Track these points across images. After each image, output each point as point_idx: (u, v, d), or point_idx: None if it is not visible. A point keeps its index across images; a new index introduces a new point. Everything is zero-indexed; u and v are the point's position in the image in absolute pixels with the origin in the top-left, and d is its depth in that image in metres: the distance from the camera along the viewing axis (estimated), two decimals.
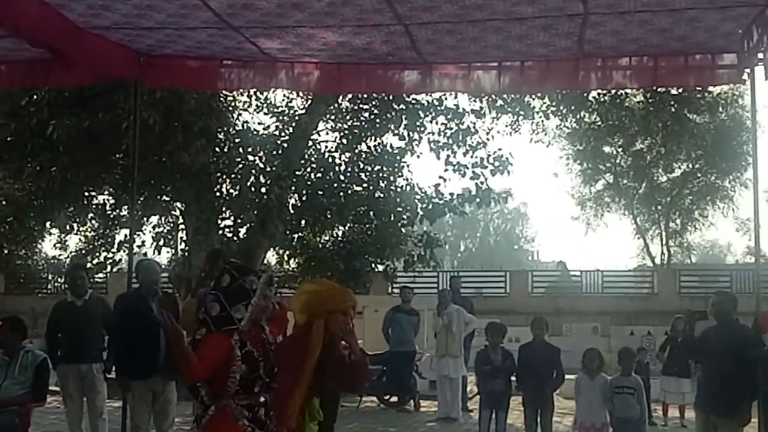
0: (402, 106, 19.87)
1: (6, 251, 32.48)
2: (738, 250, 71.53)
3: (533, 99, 21.82)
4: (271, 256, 24.38)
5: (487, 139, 20.61)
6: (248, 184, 18.58)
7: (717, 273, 35.49)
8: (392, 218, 20.18)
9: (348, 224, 21.09)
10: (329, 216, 19.99)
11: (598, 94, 21.51)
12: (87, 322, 9.29)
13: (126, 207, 20.12)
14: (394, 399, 16.18)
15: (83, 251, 24.53)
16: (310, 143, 20.45)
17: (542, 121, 24.84)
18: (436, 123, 20.44)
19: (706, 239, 69.41)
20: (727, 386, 7.83)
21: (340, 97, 19.82)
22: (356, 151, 20.38)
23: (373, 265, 21.60)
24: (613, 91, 20.57)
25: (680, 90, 21.63)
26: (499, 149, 20.24)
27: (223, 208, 19.14)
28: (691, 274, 33.57)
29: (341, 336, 5.46)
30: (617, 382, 9.56)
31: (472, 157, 20.22)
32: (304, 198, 19.57)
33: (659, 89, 20.32)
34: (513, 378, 10.07)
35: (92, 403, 9.38)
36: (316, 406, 5.63)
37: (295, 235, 21.05)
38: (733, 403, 7.80)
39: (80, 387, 9.36)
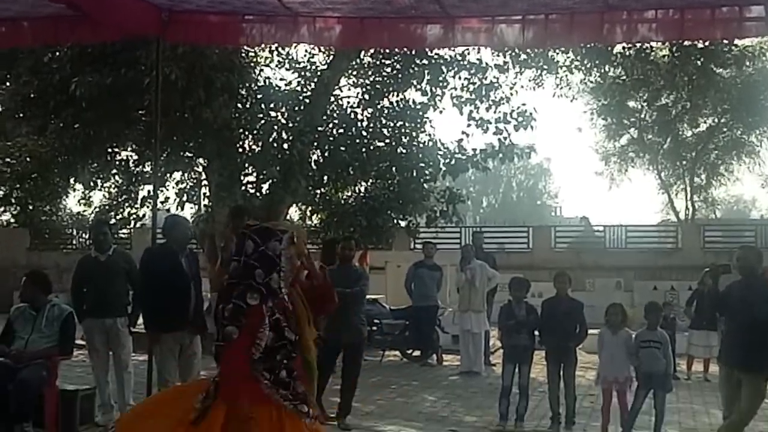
0: (424, 60, 19.72)
1: (31, 207, 32.81)
2: (763, 206, 71.09)
3: (557, 53, 21.60)
4: (293, 212, 24.41)
5: (511, 94, 20.44)
6: (270, 140, 18.56)
7: (741, 228, 35.30)
8: (415, 174, 20.11)
9: (370, 180, 21.05)
10: (351, 172, 19.96)
11: (623, 47, 21.27)
12: (111, 277, 9.38)
13: (149, 163, 20.16)
14: (417, 353, 16.28)
15: (107, 207, 24.66)
16: (332, 99, 20.37)
17: (566, 75, 24.63)
18: (459, 78, 20.28)
19: (731, 194, 68.92)
20: (752, 340, 7.80)
21: (362, 52, 19.70)
22: (378, 106, 20.27)
23: (395, 221, 21.58)
24: (638, 45, 20.33)
25: (706, 43, 21.31)
26: (523, 104, 20.06)
27: (246, 164, 19.15)
28: (715, 229, 33.40)
29: (302, 266, 5.37)
30: (643, 336, 9.57)
31: (495, 112, 20.08)
32: (326, 154, 19.54)
33: (685, 42, 20.04)
34: (536, 332, 10.07)
35: (117, 357, 9.50)
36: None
37: (318, 191, 21.04)
38: (757, 356, 7.78)
39: (105, 341, 9.47)
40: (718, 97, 31.07)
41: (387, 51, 18.92)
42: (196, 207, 22.50)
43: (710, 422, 10.31)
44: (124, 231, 26.94)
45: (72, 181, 23.35)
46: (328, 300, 5.67)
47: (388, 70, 20.39)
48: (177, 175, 21.61)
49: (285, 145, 18.55)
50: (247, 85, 18.86)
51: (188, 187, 21.20)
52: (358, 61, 20.40)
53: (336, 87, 20.30)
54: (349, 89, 21.22)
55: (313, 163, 19.38)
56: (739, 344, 7.98)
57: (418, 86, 20.25)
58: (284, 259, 5.08)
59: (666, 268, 27.53)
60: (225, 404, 4.83)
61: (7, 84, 19.56)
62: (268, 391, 4.96)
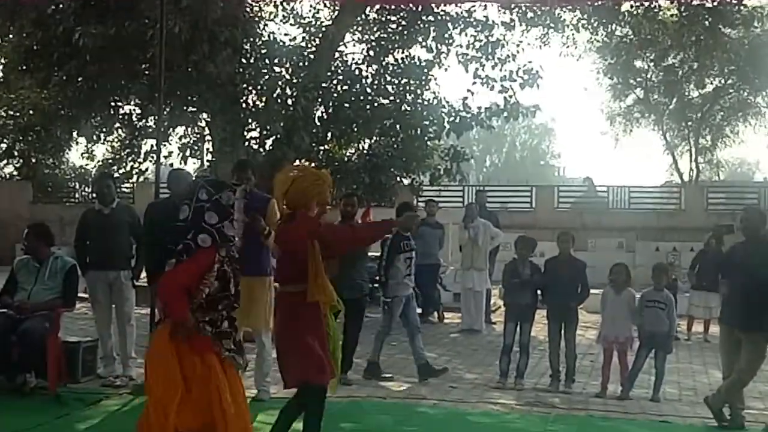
0: (430, 17, 19.58)
1: (34, 160, 32.76)
2: (767, 167, 70.95)
3: (564, 11, 21.42)
4: None
5: (517, 52, 20.30)
6: (274, 95, 18.48)
7: (745, 190, 35.18)
8: (419, 132, 20.04)
9: (374, 137, 20.99)
10: (355, 128, 19.91)
11: (631, 6, 21.10)
12: (114, 230, 9.36)
13: (152, 117, 20.11)
14: (418, 311, 16.28)
15: (110, 161, 24.66)
16: (337, 55, 20.25)
17: (573, 34, 24.38)
18: (465, 35, 20.14)
19: (735, 156, 68.83)
20: (753, 301, 7.81)
21: (368, 8, 19.55)
22: (383, 63, 20.16)
23: (398, 179, 21.55)
24: (646, 4, 20.16)
25: (715, 3, 21.14)
26: (529, 62, 19.94)
27: (250, 120, 19.10)
28: (719, 191, 33.30)
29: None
30: (649, 296, 9.60)
31: (500, 70, 19.97)
32: (330, 110, 19.47)
33: (694, 2, 19.88)
34: (538, 291, 10.09)
35: (120, 310, 9.51)
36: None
37: (321, 148, 20.99)
38: (758, 317, 7.79)
39: (108, 294, 9.47)
40: (725, 57, 30.76)
41: (393, 7, 18.77)
42: (199, 162, 22.49)
43: (709, 382, 10.34)
44: (127, 185, 26.94)
45: (75, 134, 23.31)
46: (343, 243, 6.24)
47: (394, 26, 20.25)
48: (180, 130, 21.59)
49: (289, 101, 18.48)
50: (252, 40, 18.76)
51: (191, 141, 21.17)
52: (363, 16, 20.26)
53: (341, 43, 20.18)
54: (354, 45, 21.11)
55: (316, 120, 19.32)
56: (741, 305, 7.98)
57: (424, 43, 20.12)
58: (236, 209, 5.18)
59: (669, 230, 27.49)
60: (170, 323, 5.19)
61: (10, 36, 19.45)
62: (212, 341, 5.21)
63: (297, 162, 22.27)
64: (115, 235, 9.37)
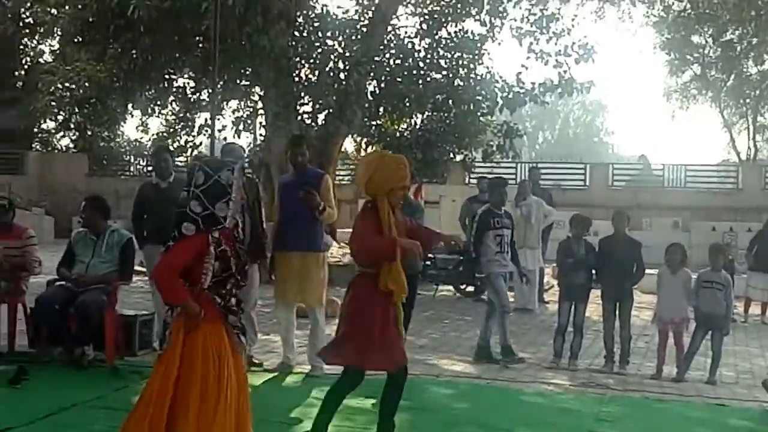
0: None
1: (89, 133, 33.20)
2: None
3: None
4: (348, 143, 24.38)
5: (572, 26, 20.04)
6: (327, 69, 18.46)
7: None
8: (471, 107, 19.88)
9: (426, 112, 20.88)
10: (408, 104, 19.81)
11: None
12: (171, 204, 9.34)
13: (206, 90, 20.18)
14: (470, 289, 16.23)
15: (164, 134, 24.83)
16: (390, 28, 20.14)
17: (629, 8, 24.05)
18: (519, 8, 19.98)
19: None
20: None
21: None
22: (436, 37, 19.99)
23: (451, 155, 21.43)
24: None
25: None
26: (584, 37, 19.69)
27: (302, 94, 19.09)
28: None
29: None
30: (706, 277, 9.44)
31: (555, 44, 19.74)
32: (382, 85, 19.39)
33: None
34: (593, 271, 9.96)
35: None
36: None
37: (374, 123, 20.93)
38: None
39: None
40: None
41: None
42: (253, 136, 22.56)
43: (767, 365, 10.16)
44: (181, 158, 27.15)
45: (130, 107, 23.47)
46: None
47: None
48: (233, 104, 21.65)
49: (341, 75, 18.44)
50: (305, 12, 18.72)
51: (245, 115, 21.21)
52: None
53: (393, 16, 20.05)
54: (407, 19, 20.95)
55: (369, 94, 19.26)
56: None
57: (477, 17, 19.92)
58: (235, 189, 5.18)
59: (725, 209, 27.07)
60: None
61: (66, 8, 19.60)
62: (220, 313, 5.22)
63: (350, 137, 22.33)
64: (171, 209, 9.36)
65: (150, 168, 11.31)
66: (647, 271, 10.06)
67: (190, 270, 5.14)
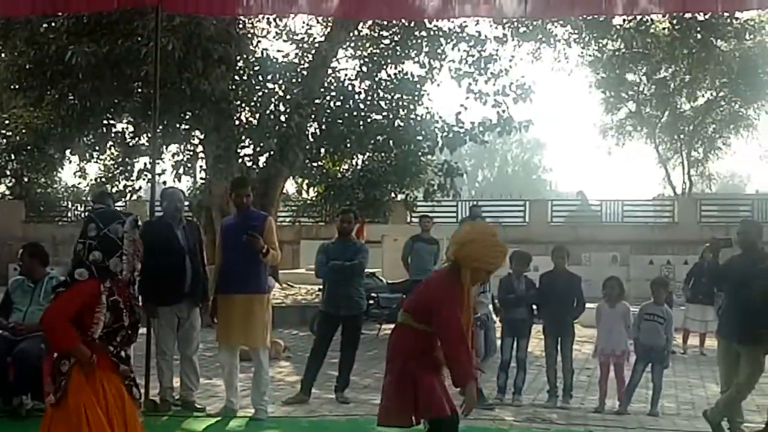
0: (423, 32, 19.66)
1: (26, 179, 32.69)
2: (759, 180, 71.12)
3: (555, 26, 21.52)
4: (290, 185, 24.40)
5: (509, 67, 20.43)
6: (268, 112, 18.52)
7: (738, 202, 35.25)
8: (412, 147, 20.09)
9: (368, 153, 21.03)
10: (349, 144, 19.93)
11: (623, 20, 21.17)
12: None
13: (145, 135, 20.10)
14: None
15: (103, 179, 24.61)
16: (330, 71, 20.30)
17: (564, 48, 24.46)
18: (458, 50, 20.26)
19: (727, 169, 69.05)
20: (751, 314, 7.79)
21: (360, 24, 19.59)
22: (376, 78, 20.21)
23: (392, 194, 21.58)
24: (638, 18, 20.22)
25: (707, 16, 21.23)
26: (522, 77, 20.06)
27: (243, 137, 19.12)
28: (711, 203, 33.36)
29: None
30: (648, 309, 9.58)
31: (493, 84, 20.08)
32: (323, 126, 19.50)
33: (685, 15, 19.94)
34: (534, 306, 10.06)
35: None
36: None
37: (315, 164, 21.01)
38: (757, 330, 7.77)
39: None
40: (717, 70, 30.90)
41: (385, 22, 18.83)
42: (193, 179, 22.48)
43: (707, 395, 10.33)
44: (120, 203, 26.89)
45: (68, 153, 23.27)
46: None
47: (386, 42, 20.33)
48: (173, 148, 21.57)
49: (282, 118, 18.51)
50: (245, 56, 18.79)
51: (185, 159, 21.14)
52: (355, 32, 20.32)
53: (333, 59, 20.24)
54: (347, 61, 21.19)
55: (310, 136, 19.35)
56: (739, 318, 7.97)
57: (416, 59, 20.20)
58: (127, 242, 5.13)
59: (662, 243, 27.55)
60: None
61: (3, 55, 19.44)
62: (112, 361, 5.14)
63: (291, 179, 22.34)
64: None
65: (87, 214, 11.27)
66: (587, 305, 10.20)
67: (80, 318, 5.03)
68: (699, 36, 23.69)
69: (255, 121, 18.96)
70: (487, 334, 10.12)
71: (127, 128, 21.43)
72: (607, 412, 9.37)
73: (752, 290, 7.83)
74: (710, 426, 8.05)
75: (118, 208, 9.64)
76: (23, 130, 20.21)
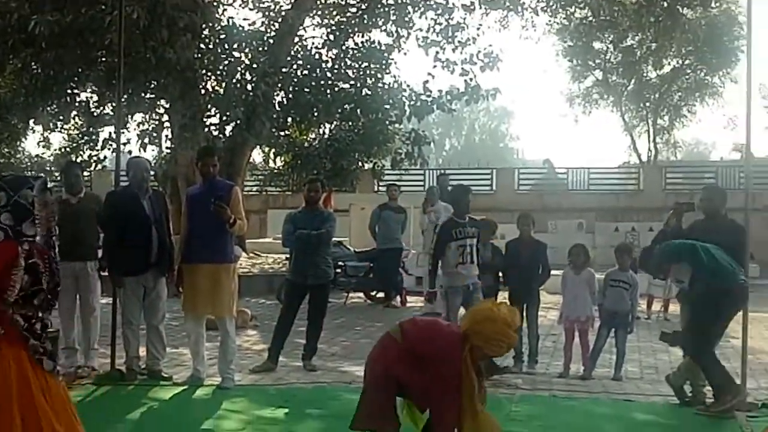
0: (390, 0, 19.55)
1: None
2: (722, 147, 71.71)
3: None
4: (257, 154, 24.30)
5: (477, 36, 20.37)
6: (234, 81, 18.37)
7: (702, 170, 35.61)
8: (380, 116, 20.05)
9: (335, 122, 20.97)
10: (316, 113, 19.85)
11: None
12: (82, 220, 9.19)
13: (110, 104, 19.90)
14: (381, 295, 16.35)
15: (67, 149, 24.38)
16: (297, 39, 20.17)
17: (532, 17, 24.43)
18: (425, 18, 20.17)
19: (692, 136, 69.59)
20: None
21: None
22: (343, 47, 20.10)
23: (360, 163, 21.58)
24: None
25: None
26: (489, 45, 20.04)
27: (209, 106, 18.96)
28: (676, 171, 33.68)
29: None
30: (613, 276, 9.68)
31: (461, 53, 20.02)
32: (290, 95, 19.39)
33: None
34: (500, 274, 10.14)
35: (86, 302, 9.32)
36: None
37: (282, 133, 20.91)
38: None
39: (74, 285, 9.32)
40: (683, 38, 31.07)
41: None
42: (158, 149, 22.32)
43: (670, 360, 10.47)
44: (85, 173, 26.66)
45: (31, 122, 22.97)
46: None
47: (353, 10, 20.21)
48: (138, 117, 21.37)
49: (249, 87, 18.37)
50: (210, 25, 18.58)
51: (150, 128, 20.96)
52: (322, 0, 20.16)
53: (300, 27, 20.08)
54: (314, 29, 21.04)
55: (277, 105, 19.23)
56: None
57: (384, 27, 20.11)
58: (38, 206, 5.09)
59: (627, 210, 27.79)
60: None
61: None
62: (22, 335, 5.00)
63: (258, 148, 22.25)
64: (83, 225, 9.18)
65: (56, 183, 11.21)
66: (553, 272, 10.30)
67: None
68: (665, 4, 23.83)
69: (221, 90, 18.81)
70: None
71: (91, 97, 21.18)
72: (572, 377, 9.50)
73: None
74: (673, 390, 8.18)
75: (85, 177, 9.60)
76: None
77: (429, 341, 5.57)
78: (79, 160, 22.01)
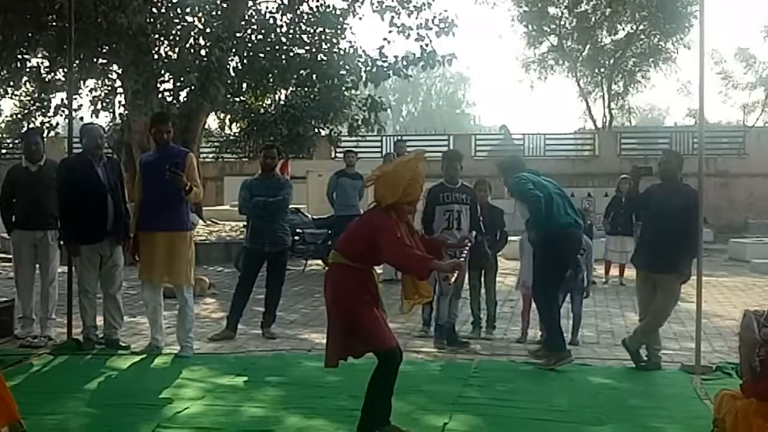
0: None
1: None
2: (676, 113, 72.36)
3: None
4: (212, 121, 24.06)
5: (432, 1, 20.26)
6: (187, 46, 18.15)
7: (657, 135, 36.00)
8: (336, 81, 19.93)
9: (290, 88, 20.83)
10: (271, 79, 19.69)
11: None
12: (42, 189, 9.04)
13: (61, 70, 19.57)
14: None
15: (19, 116, 23.97)
16: (251, 3, 19.94)
17: None
18: None
19: (646, 102, 70.12)
20: (668, 244, 7.96)
21: None
22: (298, 12, 19.92)
23: (316, 130, 21.47)
24: None
25: None
26: (445, 11, 19.96)
27: (162, 71, 18.72)
28: (631, 136, 33.96)
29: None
30: None
31: (416, 18, 19.93)
32: (245, 60, 19.21)
33: None
34: None
35: (45, 271, 9.24)
36: None
37: (237, 99, 20.73)
38: (673, 260, 7.95)
39: (33, 254, 9.21)
40: (637, 3, 31.27)
41: None
42: (111, 115, 22.02)
43: (626, 324, 10.60)
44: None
45: None
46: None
47: None
48: (91, 83, 21.06)
49: (202, 52, 18.18)
50: None
51: (102, 94, 20.66)
52: None
53: None
54: None
55: (231, 71, 19.04)
56: (656, 248, 8.13)
57: None
58: None
59: (583, 175, 28.01)
60: None
61: None
62: None
63: (213, 114, 22.03)
64: (43, 194, 9.03)
65: (7, 151, 11.02)
66: (510, 238, 10.34)
67: None
68: None
69: (174, 56, 18.58)
70: None
71: (42, 63, 20.85)
72: (529, 342, 9.56)
73: (669, 220, 7.99)
74: (629, 353, 8.27)
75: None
76: None
77: (358, 228, 5.82)
78: (30, 126, 21.69)
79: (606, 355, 8.94)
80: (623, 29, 37.32)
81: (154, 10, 18.13)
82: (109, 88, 20.98)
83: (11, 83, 21.64)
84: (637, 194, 8.63)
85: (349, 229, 5.99)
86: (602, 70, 39.14)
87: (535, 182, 8.49)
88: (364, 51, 20.03)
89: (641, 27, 36.59)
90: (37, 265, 9.31)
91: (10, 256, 10.21)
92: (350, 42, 20.45)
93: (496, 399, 7.06)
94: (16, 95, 23.45)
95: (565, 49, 38.75)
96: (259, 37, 19.36)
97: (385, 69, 19.83)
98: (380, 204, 5.69)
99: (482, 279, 10.01)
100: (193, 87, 18.12)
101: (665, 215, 8.05)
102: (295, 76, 19.88)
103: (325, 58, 19.82)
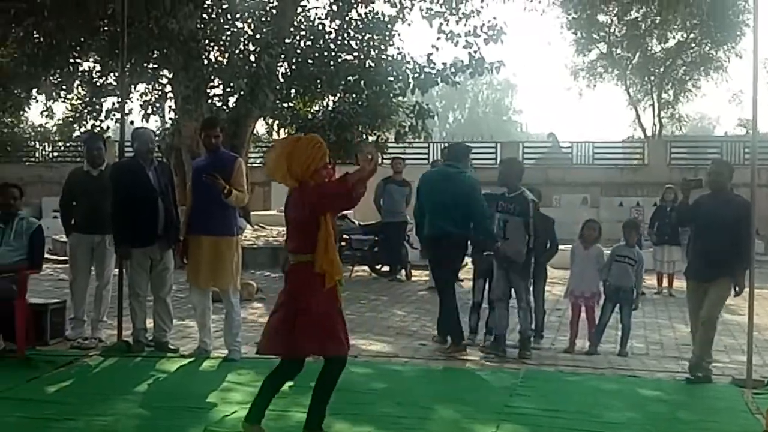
0: None
1: None
2: (727, 122, 71.44)
3: None
4: (260, 126, 24.22)
5: (481, 7, 20.22)
6: (237, 51, 18.28)
7: (707, 144, 35.46)
8: (383, 88, 19.94)
9: (338, 94, 20.87)
10: (319, 85, 19.76)
11: None
12: (102, 193, 9.11)
13: (112, 74, 19.82)
14: (386, 269, 16.32)
15: (70, 119, 24.30)
16: (300, 10, 20.04)
17: None
18: None
19: (697, 111, 69.34)
20: (719, 255, 7.84)
21: None
22: (346, 18, 19.98)
23: (364, 136, 21.46)
24: None
25: None
26: (493, 18, 19.90)
27: (212, 77, 18.87)
28: (681, 145, 33.52)
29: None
30: (619, 251, 9.63)
31: (465, 25, 19.89)
32: (293, 66, 19.30)
33: None
34: None
35: (100, 274, 9.35)
36: None
37: (285, 105, 20.82)
38: (723, 270, 7.84)
39: (90, 257, 9.32)
40: (688, 11, 30.87)
41: None
42: (161, 120, 22.25)
43: (675, 336, 10.47)
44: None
45: (34, 92, 22.92)
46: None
47: None
48: (141, 87, 21.30)
49: (252, 58, 18.29)
50: None
51: (153, 99, 20.88)
52: None
53: None
54: (317, 0, 20.88)
55: (280, 76, 19.14)
56: (707, 259, 8.01)
57: None
58: None
59: (632, 185, 27.72)
60: None
61: None
62: None
63: (261, 119, 22.15)
64: (101, 198, 9.11)
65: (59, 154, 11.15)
66: (560, 247, 10.26)
67: None
68: None
69: (224, 61, 18.73)
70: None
71: (93, 67, 21.12)
72: (577, 352, 9.47)
73: (721, 231, 7.87)
74: (695, 374, 8.04)
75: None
76: None
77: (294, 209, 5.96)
78: (82, 130, 21.98)
79: (655, 367, 8.83)
80: (673, 37, 36.95)
81: (205, 15, 18.30)
82: (160, 92, 21.20)
83: (64, 87, 21.95)
84: (687, 206, 8.50)
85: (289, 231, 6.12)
86: (652, 78, 38.78)
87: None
88: (412, 58, 20.06)
89: (692, 35, 36.20)
90: (93, 268, 9.41)
91: (62, 258, 10.34)
92: (398, 48, 20.50)
93: (543, 409, 6.99)
94: (68, 99, 23.77)
95: (614, 56, 38.45)
96: (308, 43, 19.45)
97: (433, 76, 19.81)
98: (302, 179, 5.78)
99: (531, 287, 9.92)
100: (242, 92, 18.24)
101: (715, 226, 7.93)
102: (343, 83, 19.93)
103: (373, 65, 19.86)
